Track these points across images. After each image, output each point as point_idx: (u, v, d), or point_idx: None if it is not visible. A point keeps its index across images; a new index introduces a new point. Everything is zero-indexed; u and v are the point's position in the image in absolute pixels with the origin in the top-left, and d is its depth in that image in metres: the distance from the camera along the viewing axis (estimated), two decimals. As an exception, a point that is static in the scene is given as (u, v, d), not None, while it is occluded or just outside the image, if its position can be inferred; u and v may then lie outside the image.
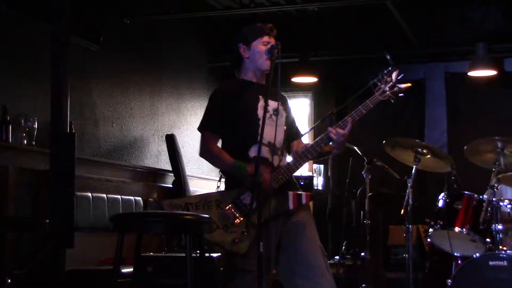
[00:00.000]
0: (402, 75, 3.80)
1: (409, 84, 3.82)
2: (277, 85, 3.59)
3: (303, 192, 3.75)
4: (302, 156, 3.74)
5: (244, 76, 3.90)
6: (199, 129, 3.85)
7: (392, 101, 3.80)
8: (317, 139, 3.74)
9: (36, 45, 5.67)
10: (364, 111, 3.72)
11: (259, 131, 3.55)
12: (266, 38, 3.82)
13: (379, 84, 3.80)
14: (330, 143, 3.75)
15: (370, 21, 8.03)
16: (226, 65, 4.01)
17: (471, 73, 7.96)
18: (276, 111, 3.75)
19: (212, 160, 3.86)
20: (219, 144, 3.88)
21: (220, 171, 3.88)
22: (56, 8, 3.69)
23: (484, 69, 7.89)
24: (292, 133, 3.99)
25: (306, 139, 4.13)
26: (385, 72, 3.82)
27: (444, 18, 8.08)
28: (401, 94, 3.80)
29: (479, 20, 7.88)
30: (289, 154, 3.94)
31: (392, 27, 7.64)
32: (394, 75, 3.79)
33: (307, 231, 3.77)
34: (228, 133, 3.82)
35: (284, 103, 3.93)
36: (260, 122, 3.62)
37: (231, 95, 3.81)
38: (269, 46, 3.77)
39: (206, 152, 3.84)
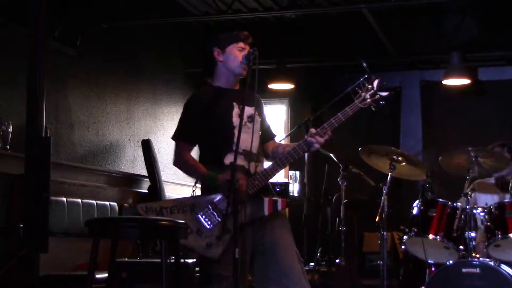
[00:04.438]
0: (384, 83, 3.76)
1: (390, 92, 3.76)
2: (254, 91, 3.60)
3: (278, 198, 3.75)
4: (279, 163, 3.75)
5: (217, 82, 3.88)
6: (173, 138, 3.85)
7: (373, 109, 3.75)
8: (295, 145, 3.74)
9: (12, 48, 5.63)
10: (343, 119, 3.68)
11: (234, 139, 3.55)
12: (241, 44, 3.82)
13: (359, 91, 3.75)
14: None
15: (347, 29, 8.08)
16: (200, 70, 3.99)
17: (446, 82, 8.04)
18: (251, 118, 3.76)
19: (186, 169, 3.84)
20: (195, 152, 3.87)
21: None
22: (34, 11, 3.68)
23: (458, 77, 7.96)
24: (267, 135, 3.99)
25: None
26: (366, 79, 3.79)
27: (420, 26, 8.16)
28: (382, 102, 3.75)
29: (454, 29, 7.97)
30: (265, 157, 3.94)
31: (369, 35, 7.69)
32: (376, 83, 3.74)
33: (283, 238, 3.78)
34: (203, 142, 3.82)
35: (258, 107, 3.90)
36: (235, 130, 3.63)
37: (205, 103, 3.80)
38: (245, 52, 3.78)
39: (179, 161, 3.83)
